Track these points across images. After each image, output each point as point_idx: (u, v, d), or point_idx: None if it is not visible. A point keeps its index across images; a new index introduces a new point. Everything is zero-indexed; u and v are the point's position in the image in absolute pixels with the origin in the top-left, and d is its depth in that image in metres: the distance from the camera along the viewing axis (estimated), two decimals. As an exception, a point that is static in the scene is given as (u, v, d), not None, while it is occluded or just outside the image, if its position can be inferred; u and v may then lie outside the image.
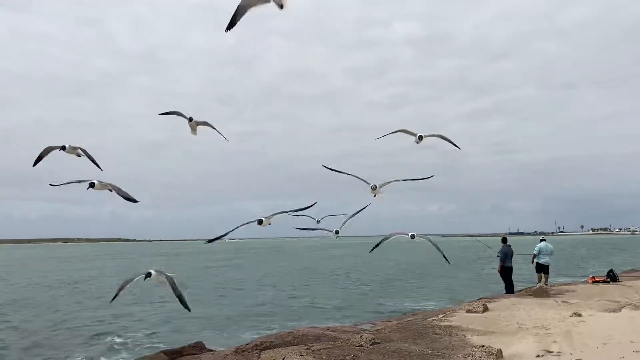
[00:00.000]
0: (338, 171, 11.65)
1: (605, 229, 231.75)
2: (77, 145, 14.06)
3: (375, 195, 11.04)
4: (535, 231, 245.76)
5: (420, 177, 10.68)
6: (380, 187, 11.48)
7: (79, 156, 13.62)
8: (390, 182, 11.53)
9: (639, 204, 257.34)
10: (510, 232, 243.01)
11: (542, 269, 18.03)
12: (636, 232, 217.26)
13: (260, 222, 11.48)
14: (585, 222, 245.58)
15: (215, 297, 24.56)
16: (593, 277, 19.54)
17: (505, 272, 17.59)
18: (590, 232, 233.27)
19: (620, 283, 18.26)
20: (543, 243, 18.25)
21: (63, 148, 13.42)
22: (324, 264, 50.97)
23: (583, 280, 21.31)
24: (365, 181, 11.40)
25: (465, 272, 36.27)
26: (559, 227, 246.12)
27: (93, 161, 12.98)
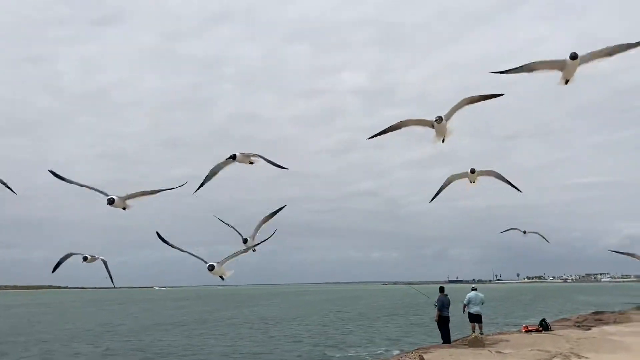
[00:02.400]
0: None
1: (539, 277, 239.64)
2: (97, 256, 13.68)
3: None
4: (474, 279, 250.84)
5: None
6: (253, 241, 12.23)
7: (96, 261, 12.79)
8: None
9: (571, 253, 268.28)
10: (450, 279, 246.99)
11: (475, 318, 18.08)
12: (568, 280, 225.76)
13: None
14: (521, 270, 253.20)
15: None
16: (526, 327, 19.79)
17: (442, 321, 17.53)
18: (526, 280, 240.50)
19: (552, 332, 18.56)
20: (473, 293, 18.38)
21: (85, 259, 12.81)
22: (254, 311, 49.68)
23: (517, 329, 21.55)
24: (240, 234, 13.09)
25: (404, 320, 36.15)
26: (496, 275, 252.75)
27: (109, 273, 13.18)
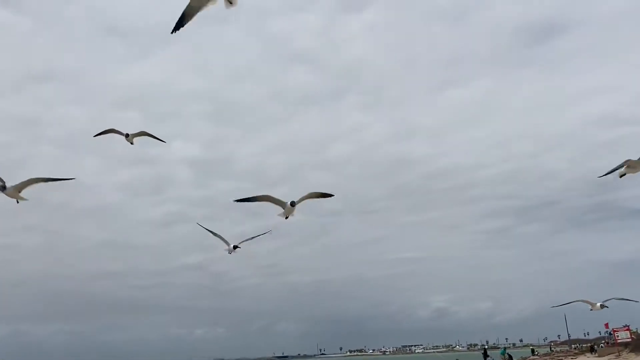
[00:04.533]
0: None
1: (361, 350, 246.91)
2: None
3: None
4: (299, 354, 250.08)
5: None
6: None
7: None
8: None
9: (390, 325, 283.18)
10: (276, 355, 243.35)
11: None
12: (387, 352, 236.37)
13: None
14: (344, 343, 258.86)
15: None
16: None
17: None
18: (348, 353, 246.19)
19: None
20: None
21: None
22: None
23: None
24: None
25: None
26: (320, 350, 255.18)
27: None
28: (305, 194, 13.02)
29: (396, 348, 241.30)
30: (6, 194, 12.54)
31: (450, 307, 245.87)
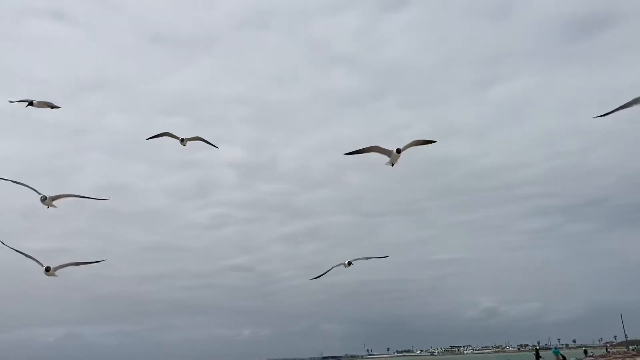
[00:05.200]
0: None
1: (408, 351, 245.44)
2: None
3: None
4: (346, 354, 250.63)
5: None
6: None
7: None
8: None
9: (437, 326, 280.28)
10: (323, 355, 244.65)
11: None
12: (435, 353, 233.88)
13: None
14: (391, 344, 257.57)
15: None
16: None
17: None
18: (396, 354, 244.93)
19: None
20: None
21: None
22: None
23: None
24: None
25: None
26: (367, 350, 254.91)
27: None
28: (409, 141, 14.45)
29: (444, 349, 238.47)
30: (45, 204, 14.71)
31: (498, 308, 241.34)
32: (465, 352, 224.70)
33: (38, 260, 15.05)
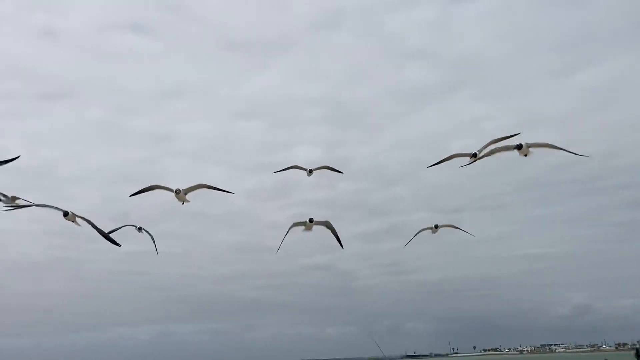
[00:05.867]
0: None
1: (495, 349, 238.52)
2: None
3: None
4: (431, 353, 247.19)
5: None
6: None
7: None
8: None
9: (526, 324, 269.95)
10: (407, 354, 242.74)
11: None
12: (524, 352, 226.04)
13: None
14: (477, 342, 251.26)
15: None
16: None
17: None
18: (482, 352, 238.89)
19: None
20: None
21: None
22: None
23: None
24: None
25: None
26: (453, 349, 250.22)
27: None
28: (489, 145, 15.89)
29: (534, 347, 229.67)
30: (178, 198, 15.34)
31: (592, 304, 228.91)
32: (556, 350, 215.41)
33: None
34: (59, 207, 14.45)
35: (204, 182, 15.49)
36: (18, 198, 16.51)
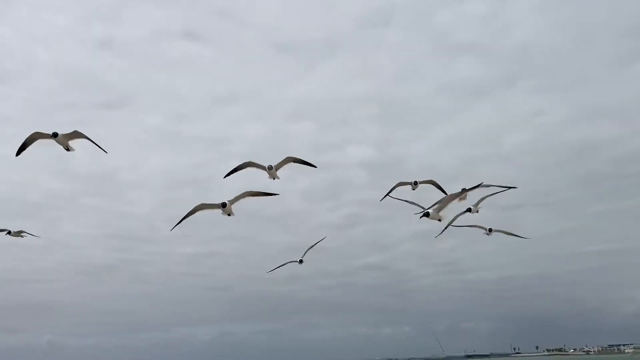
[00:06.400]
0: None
1: (560, 350, 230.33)
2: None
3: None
4: (492, 353, 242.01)
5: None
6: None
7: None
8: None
9: (592, 324, 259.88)
10: (467, 354, 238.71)
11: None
12: (590, 352, 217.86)
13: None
14: (539, 342, 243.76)
15: None
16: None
17: None
18: (546, 352, 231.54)
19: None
20: None
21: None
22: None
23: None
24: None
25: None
26: (514, 348, 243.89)
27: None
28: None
29: (601, 347, 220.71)
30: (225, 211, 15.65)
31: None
32: (625, 350, 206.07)
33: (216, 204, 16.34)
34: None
35: (247, 191, 16.02)
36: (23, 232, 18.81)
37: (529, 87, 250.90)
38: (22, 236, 18.46)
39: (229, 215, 15.91)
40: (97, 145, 16.84)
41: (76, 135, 16.11)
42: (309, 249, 19.18)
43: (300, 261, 19.02)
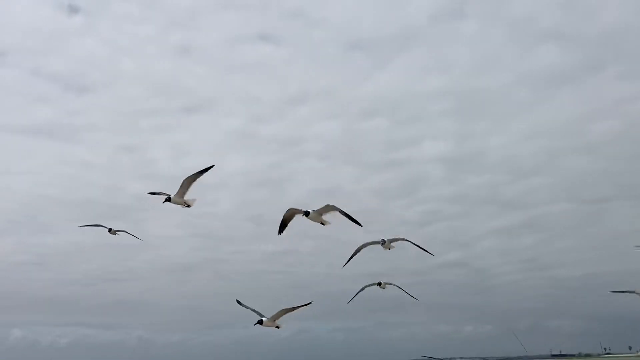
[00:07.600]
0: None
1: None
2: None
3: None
4: (580, 352, 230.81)
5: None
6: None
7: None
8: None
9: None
10: (553, 353, 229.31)
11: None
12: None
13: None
14: (633, 342, 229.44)
15: None
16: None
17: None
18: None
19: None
20: None
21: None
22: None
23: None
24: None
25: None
26: (604, 349, 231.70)
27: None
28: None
29: None
30: (310, 218, 15.08)
31: None
32: None
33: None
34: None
35: (332, 204, 15.22)
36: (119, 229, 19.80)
37: (617, 74, 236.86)
38: (116, 234, 19.58)
39: (323, 224, 15.79)
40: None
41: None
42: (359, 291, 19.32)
43: (380, 283, 18.43)
